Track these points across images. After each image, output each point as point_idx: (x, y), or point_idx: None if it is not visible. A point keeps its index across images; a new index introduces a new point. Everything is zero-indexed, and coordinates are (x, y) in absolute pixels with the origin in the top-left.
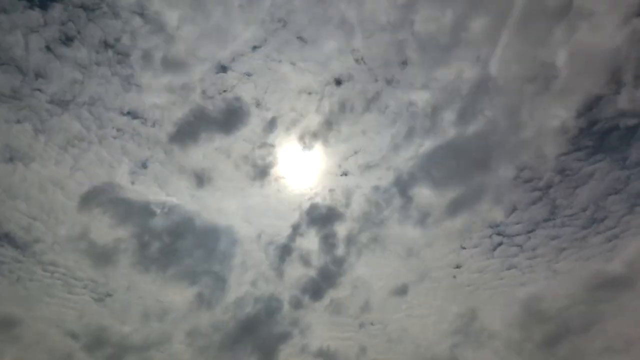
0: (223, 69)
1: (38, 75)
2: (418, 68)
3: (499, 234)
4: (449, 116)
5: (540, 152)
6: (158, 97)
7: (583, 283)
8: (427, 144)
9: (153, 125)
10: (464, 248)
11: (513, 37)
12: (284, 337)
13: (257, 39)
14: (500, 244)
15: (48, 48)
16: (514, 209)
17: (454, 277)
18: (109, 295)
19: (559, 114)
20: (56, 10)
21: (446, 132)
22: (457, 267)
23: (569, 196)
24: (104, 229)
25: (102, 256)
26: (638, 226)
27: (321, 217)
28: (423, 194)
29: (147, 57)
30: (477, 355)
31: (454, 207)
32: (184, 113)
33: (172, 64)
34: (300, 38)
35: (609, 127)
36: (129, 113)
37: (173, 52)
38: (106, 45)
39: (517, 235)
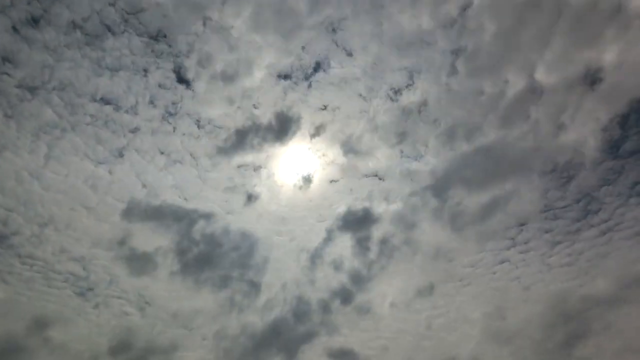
0: (279, 78)
1: (5, 58)
2: (465, 77)
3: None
4: (491, 121)
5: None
6: (213, 107)
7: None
8: (465, 148)
9: (127, 111)
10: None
11: (562, 41)
12: (310, 338)
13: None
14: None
15: (15, 29)
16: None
17: (446, 271)
18: (90, 289)
19: (601, 118)
20: None
21: (487, 136)
22: (450, 261)
23: (561, 187)
24: (84, 220)
25: (82, 249)
26: (633, 219)
27: (356, 221)
28: (457, 195)
29: (204, 63)
30: (499, 356)
31: (485, 209)
32: (238, 123)
33: (231, 73)
34: (352, 49)
35: None
36: (101, 99)
37: (233, 59)
38: (74, 26)
39: (509, 228)
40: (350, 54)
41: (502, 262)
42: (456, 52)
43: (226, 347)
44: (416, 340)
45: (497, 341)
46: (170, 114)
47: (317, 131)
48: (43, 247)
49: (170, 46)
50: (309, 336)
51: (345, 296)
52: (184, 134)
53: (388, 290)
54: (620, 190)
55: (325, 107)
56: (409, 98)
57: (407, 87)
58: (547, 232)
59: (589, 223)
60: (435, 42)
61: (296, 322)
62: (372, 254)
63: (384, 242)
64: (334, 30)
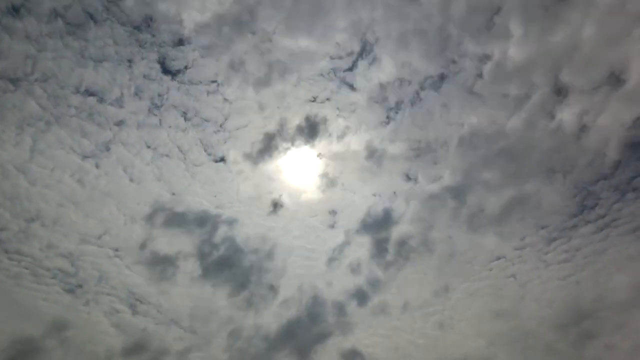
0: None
1: None
2: (490, 84)
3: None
4: (513, 124)
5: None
6: (242, 113)
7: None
8: (485, 150)
9: (112, 104)
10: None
11: (588, 45)
12: (324, 338)
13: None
14: None
15: None
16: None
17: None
18: (79, 286)
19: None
20: None
21: (509, 138)
22: (448, 260)
23: (557, 182)
24: (72, 215)
25: (70, 245)
26: (630, 214)
27: (375, 223)
28: (476, 198)
29: (235, 66)
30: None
31: (505, 210)
32: (268, 128)
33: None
34: (379, 55)
35: None
36: (86, 90)
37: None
38: (56, 14)
39: (506, 224)
40: (374, 61)
41: (498, 258)
42: (483, 58)
43: (222, 347)
44: (413, 338)
45: (496, 340)
46: (156, 106)
47: (342, 135)
48: (30, 243)
49: (154, 36)
50: (323, 337)
51: (360, 297)
52: (170, 127)
53: (400, 291)
54: (616, 185)
55: (349, 111)
56: (433, 101)
57: (431, 89)
58: (543, 228)
59: (585, 219)
60: (463, 49)
61: (306, 323)
62: (390, 256)
63: (401, 244)
64: (362, 35)
